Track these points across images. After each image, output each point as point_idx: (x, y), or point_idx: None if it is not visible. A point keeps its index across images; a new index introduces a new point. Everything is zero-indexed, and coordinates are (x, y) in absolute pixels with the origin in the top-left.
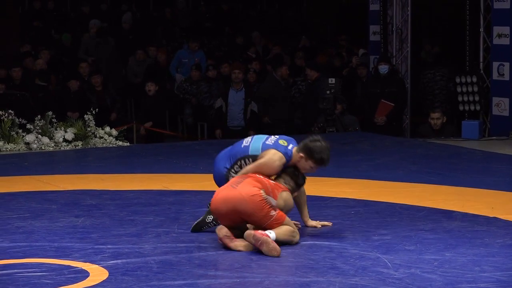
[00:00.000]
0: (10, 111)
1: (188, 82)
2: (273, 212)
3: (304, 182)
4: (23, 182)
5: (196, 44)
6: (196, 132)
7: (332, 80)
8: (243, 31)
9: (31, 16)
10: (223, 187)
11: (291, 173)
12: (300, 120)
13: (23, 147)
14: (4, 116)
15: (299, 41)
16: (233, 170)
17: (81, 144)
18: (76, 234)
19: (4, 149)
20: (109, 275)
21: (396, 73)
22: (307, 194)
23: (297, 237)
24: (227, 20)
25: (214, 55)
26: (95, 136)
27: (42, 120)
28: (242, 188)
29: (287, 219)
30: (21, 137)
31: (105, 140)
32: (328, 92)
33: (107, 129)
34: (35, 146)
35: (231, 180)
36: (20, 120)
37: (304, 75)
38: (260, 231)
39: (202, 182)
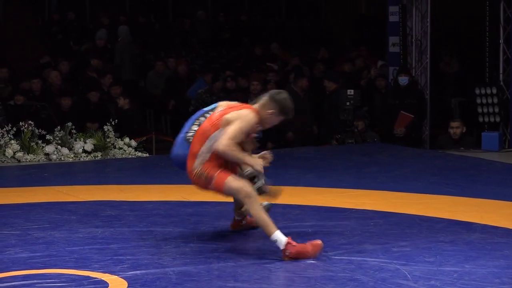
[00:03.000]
0: (29, 122)
1: (208, 93)
2: (210, 185)
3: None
4: (42, 192)
5: (211, 76)
6: None
7: (351, 92)
8: (262, 42)
9: (50, 27)
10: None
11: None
12: (319, 132)
13: (43, 158)
14: (24, 127)
15: (318, 53)
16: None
17: (101, 155)
18: (95, 244)
19: (24, 160)
20: (128, 286)
21: (415, 84)
22: (325, 205)
23: (248, 189)
24: (246, 31)
25: (233, 66)
26: (115, 147)
27: (62, 131)
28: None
29: (229, 178)
30: (40, 148)
31: (125, 151)
32: (347, 103)
33: (127, 140)
34: (54, 157)
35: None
36: (40, 131)
37: (322, 86)
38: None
39: None
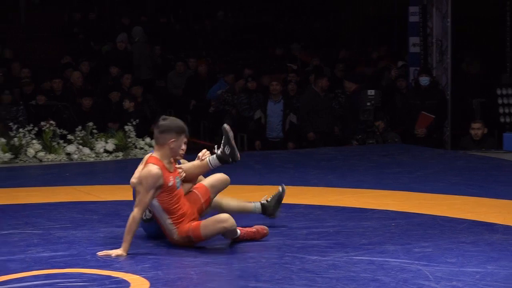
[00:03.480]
0: (51, 121)
1: (230, 92)
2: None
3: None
4: (64, 192)
5: (232, 76)
6: (236, 143)
7: (371, 92)
8: (283, 42)
9: (72, 28)
10: None
11: None
12: (339, 132)
13: (64, 158)
14: (45, 127)
15: (338, 53)
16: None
17: (122, 155)
18: (117, 244)
19: (45, 160)
20: (150, 286)
21: (436, 85)
22: (347, 205)
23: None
24: (267, 31)
25: (253, 66)
26: (136, 147)
27: (83, 131)
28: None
29: (202, 223)
30: (62, 147)
31: (146, 151)
32: (368, 104)
33: (148, 140)
34: (76, 156)
35: None
36: (61, 131)
37: (342, 87)
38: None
39: (243, 193)
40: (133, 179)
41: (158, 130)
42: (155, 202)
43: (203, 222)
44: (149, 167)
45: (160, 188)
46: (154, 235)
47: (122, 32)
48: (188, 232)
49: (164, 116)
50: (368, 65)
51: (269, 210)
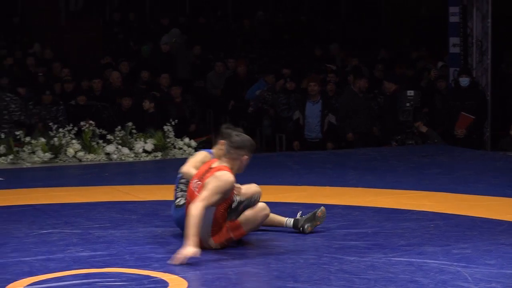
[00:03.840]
0: (90, 121)
1: (270, 91)
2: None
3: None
4: (103, 192)
5: (273, 76)
6: (275, 144)
7: (411, 93)
8: (322, 43)
9: (112, 28)
10: None
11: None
12: (378, 133)
13: (104, 158)
14: (85, 127)
15: (378, 53)
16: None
17: (161, 155)
18: (155, 244)
19: (85, 159)
20: (188, 286)
21: (476, 85)
22: (385, 206)
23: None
24: (306, 31)
25: (292, 66)
26: (174, 147)
27: (122, 131)
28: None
29: (242, 221)
30: (101, 147)
31: (184, 151)
32: (407, 104)
33: (186, 140)
34: (115, 156)
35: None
36: (101, 131)
37: (382, 87)
38: None
39: (280, 193)
40: (185, 169)
41: (233, 145)
42: (212, 208)
43: (242, 219)
44: (228, 174)
45: (226, 197)
46: (180, 223)
47: (165, 34)
48: (228, 235)
49: (237, 133)
50: (408, 65)
51: (300, 223)
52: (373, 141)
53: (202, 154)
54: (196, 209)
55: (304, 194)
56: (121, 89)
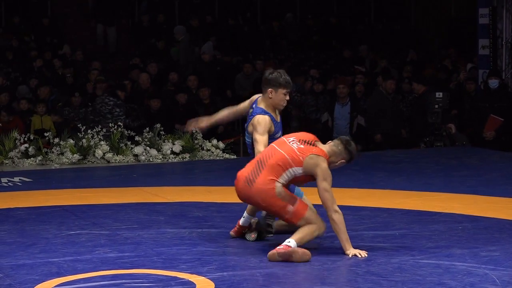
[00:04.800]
0: (119, 123)
1: (300, 93)
2: (290, 208)
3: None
4: (131, 193)
5: (302, 78)
6: None
7: (439, 94)
8: (351, 44)
9: (140, 29)
10: (242, 177)
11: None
12: (407, 134)
13: (132, 159)
14: (113, 128)
15: (406, 55)
16: None
17: (189, 157)
18: (183, 245)
19: (113, 161)
20: (215, 287)
21: (506, 87)
22: (414, 208)
23: (321, 230)
24: (335, 33)
25: (321, 68)
26: (202, 149)
27: (151, 133)
28: (257, 183)
29: (308, 212)
30: (129, 149)
31: (212, 152)
32: (436, 106)
33: (214, 141)
34: (143, 158)
35: (253, 163)
36: (129, 132)
37: (410, 89)
38: (280, 247)
39: (308, 196)
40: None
41: (344, 145)
42: (299, 170)
43: (309, 212)
44: (326, 164)
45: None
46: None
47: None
48: (295, 205)
49: (351, 141)
50: (437, 67)
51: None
52: (401, 143)
53: (265, 120)
54: (339, 216)
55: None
56: (150, 90)
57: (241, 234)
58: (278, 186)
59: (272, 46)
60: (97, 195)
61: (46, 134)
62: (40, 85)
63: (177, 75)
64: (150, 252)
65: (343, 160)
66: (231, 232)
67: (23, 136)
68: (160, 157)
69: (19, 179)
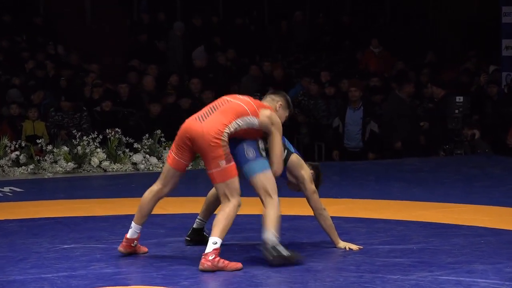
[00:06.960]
0: (116, 129)
1: (306, 96)
2: (223, 163)
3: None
4: (130, 204)
5: (309, 80)
6: (313, 153)
7: (460, 99)
8: (364, 45)
9: (139, 29)
10: (193, 117)
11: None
12: (425, 142)
13: (130, 167)
14: (110, 135)
15: (425, 57)
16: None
17: (191, 165)
18: (184, 259)
19: (110, 169)
20: None
21: None
22: (432, 221)
23: (238, 208)
24: (347, 34)
25: (333, 70)
26: None
27: (150, 139)
28: (208, 121)
29: (236, 179)
30: (128, 156)
31: None
32: (456, 111)
33: None
34: (142, 166)
35: (206, 108)
36: (127, 139)
37: (429, 93)
38: (203, 260)
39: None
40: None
41: (272, 92)
42: (255, 121)
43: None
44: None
45: None
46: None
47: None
48: (229, 163)
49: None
50: (457, 70)
51: None
52: (419, 150)
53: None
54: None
55: (342, 207)
56: (152, 94)
57: (131, 248)
58: (225, 135)
59: (280, 47)
60: (93, 206)
61: (38, 141)
62: (34, 89)
63: (177, 78)
64: (149, 268)
65: (280, 103)
66: (120, 248)
67: (14, 143)
68: (161, 165)
69: (10, 189)
